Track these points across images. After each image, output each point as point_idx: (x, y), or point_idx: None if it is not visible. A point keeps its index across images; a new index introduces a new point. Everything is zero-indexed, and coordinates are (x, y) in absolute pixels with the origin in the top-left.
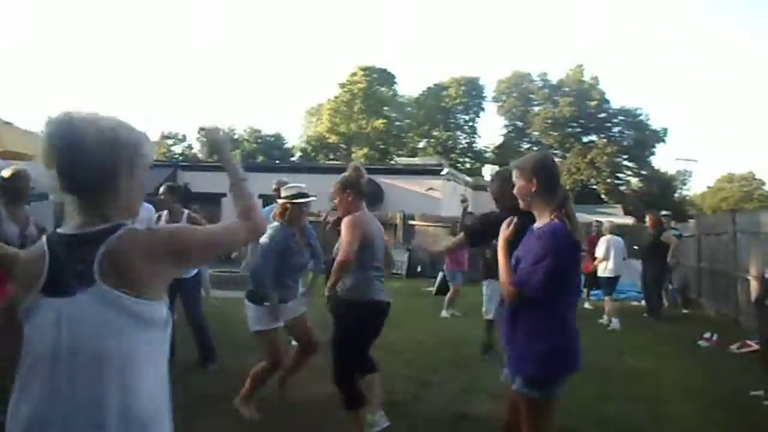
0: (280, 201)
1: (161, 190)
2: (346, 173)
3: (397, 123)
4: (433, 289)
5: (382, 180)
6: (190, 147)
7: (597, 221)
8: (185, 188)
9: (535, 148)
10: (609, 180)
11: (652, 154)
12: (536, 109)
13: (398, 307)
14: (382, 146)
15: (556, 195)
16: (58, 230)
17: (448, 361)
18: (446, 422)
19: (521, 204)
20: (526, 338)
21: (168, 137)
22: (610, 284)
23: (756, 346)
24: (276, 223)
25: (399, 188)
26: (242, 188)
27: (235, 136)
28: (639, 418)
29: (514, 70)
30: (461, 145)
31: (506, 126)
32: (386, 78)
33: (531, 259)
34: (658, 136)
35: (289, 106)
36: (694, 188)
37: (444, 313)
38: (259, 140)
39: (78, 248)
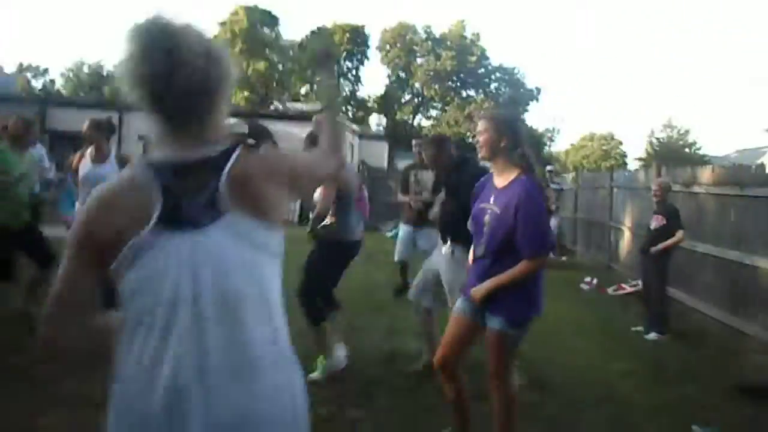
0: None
1: (86, 125)
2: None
3: (279, 67)
4: None
5: (275, 126)
6: (52, 82)
7: None
8: (109, 123)
9: (417, 99)
10: None
11: (526, 111)
12: (419, 61)
13: (300, 255)
14: (263, 90)
15: (516, 152)
16: (154, 157)
17: (365, 306)
18: (382, 360)
19: (483, 153)
20: (520, 284)
21: (27, 70)
22: None
23: (630, 289)
24: None
25: (291, 134)
26: (336, 119)
27: (105, 74)
28: (548, 351)
29: (400, 21)
30: (344, 93)
31: (389, 76)
32: (269, 19)
33: (525, 217)
34: (532, 95)
35: None
36: (559, 145)
37: None
38: None
39: (195, 174)
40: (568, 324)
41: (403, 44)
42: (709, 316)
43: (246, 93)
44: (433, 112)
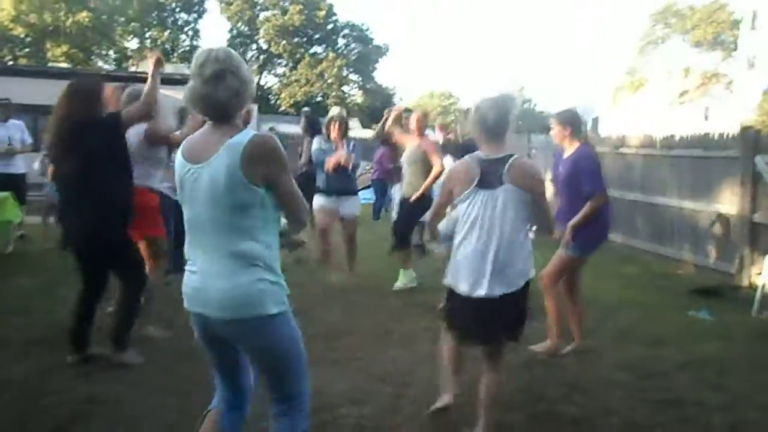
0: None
1: None
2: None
3: (103, 17)
4: None
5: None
6: None
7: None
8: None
9: (262, 57)
10: (336, 93)
11: (375, 69)
12: (264, 15)
13: None
14: (86, 44)
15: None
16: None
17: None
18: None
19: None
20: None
21: None
22: None
23: None
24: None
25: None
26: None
27: None
28: None
29: None
30: (183, 49)
31: (231, 31)
32: None
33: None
34: (381, 51)
35: None
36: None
37: None
38: None
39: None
40: None
41: None
42: (641, 249)
43: (65, 47)
44: (280, 70)
